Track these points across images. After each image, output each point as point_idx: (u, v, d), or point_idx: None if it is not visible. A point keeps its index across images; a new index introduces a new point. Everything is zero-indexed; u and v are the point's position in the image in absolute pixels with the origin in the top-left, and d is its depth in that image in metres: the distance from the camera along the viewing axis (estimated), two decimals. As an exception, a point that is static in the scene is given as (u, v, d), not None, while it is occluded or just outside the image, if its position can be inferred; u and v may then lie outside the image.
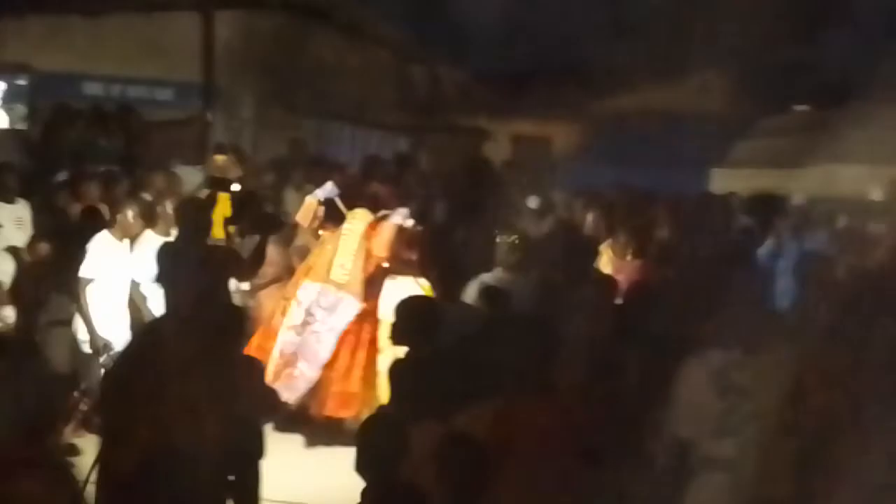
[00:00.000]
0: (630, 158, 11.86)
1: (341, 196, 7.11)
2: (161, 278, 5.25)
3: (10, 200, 7.53)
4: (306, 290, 6.79)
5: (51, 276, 6.52)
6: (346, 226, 6.96)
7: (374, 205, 7.15)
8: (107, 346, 6.38)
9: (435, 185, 10.61)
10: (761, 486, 3.69)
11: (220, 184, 7.93)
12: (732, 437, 3.66)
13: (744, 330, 3.78)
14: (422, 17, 14.79)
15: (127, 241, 6.63)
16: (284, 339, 6.72)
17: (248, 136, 12.15)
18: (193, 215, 5.55)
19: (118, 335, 6.35)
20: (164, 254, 5.36)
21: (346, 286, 6.79)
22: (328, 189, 7.12)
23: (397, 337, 4.35)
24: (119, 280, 6.52)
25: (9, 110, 9.93)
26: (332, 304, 6.73)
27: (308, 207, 7.10)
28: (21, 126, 9.94)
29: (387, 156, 12.51)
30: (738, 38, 13.69)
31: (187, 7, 11.80)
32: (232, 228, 7.37)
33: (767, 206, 8.46)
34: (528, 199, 9.58)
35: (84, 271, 6.42)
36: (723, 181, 11.21)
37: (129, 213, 6.58)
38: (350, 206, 7.11)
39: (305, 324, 6.72)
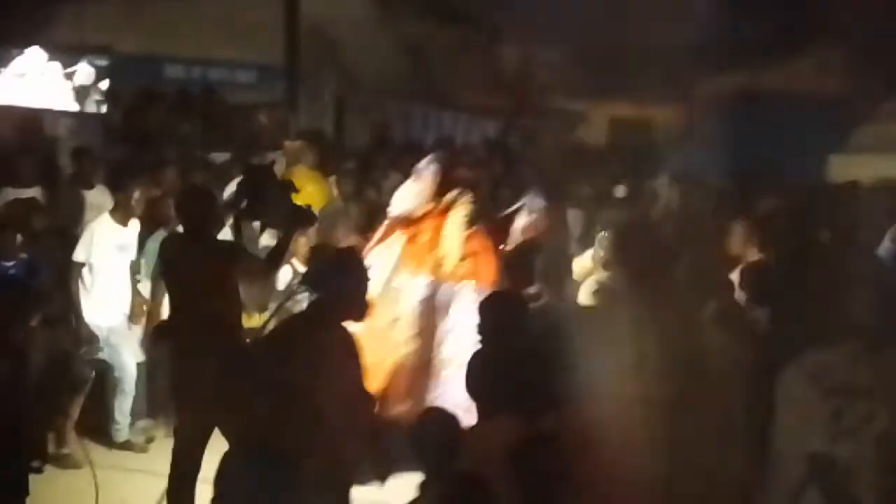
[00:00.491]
0: (738, 143, 11.55)
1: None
2: (162, 274, 5.25)
3: (89, 186, 7.70)
4: (416, 286, 6.35)
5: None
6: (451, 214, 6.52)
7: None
8: (92, 338, 6.35)
9: (527, 172, 10.53)
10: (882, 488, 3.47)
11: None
12: (849, 439, 3.50)
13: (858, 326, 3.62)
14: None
15: (132, 226, 6.58)
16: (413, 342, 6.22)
17: (330, 119, 12.26)
18: (192, 208, 5.27)
19: (116, 321, 6.37)
20: (163, 248, 5.38)
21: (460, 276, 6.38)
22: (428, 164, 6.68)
23: (480, 334, 4.34)
24: (118, 265, 6.49)
25: (89, 93, 10.19)
26: (455, 299, 6.30)
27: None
28: (101, 109, 10.19)
29: (476, 140, 12.50)
30: (861, 13, 13.23)
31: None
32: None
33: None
34: (616, 187, 9.39)
35: (77, 255, 6.39)
36: (843, 168, 10.83)
37: (135, 196, 6.47)
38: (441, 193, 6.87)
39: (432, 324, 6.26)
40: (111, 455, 6.43)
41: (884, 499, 3.49)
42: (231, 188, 6.88)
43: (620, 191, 9.70)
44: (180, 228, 5.57)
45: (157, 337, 5.68)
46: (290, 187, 5.64)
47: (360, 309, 4.28)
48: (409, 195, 6.57)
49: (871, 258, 6.03)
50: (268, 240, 6.65)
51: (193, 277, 5.07)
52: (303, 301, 5.29)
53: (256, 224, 6.46)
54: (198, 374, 4.69)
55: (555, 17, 14.53)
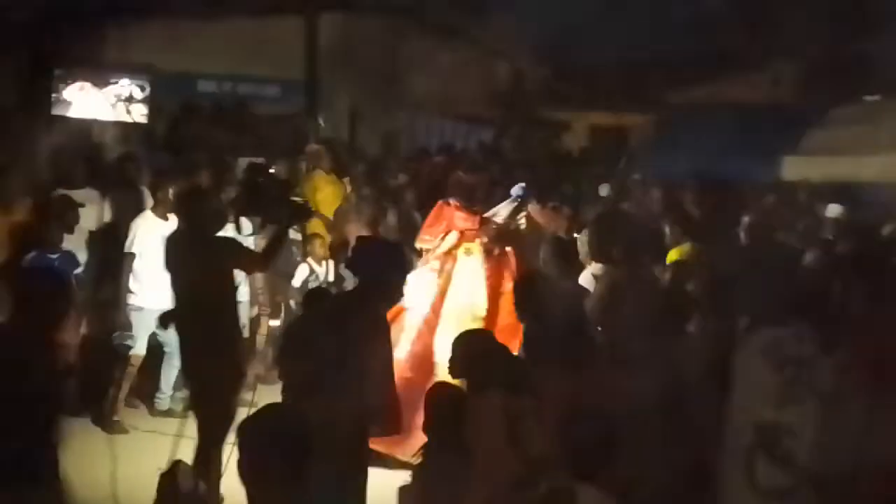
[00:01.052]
0: (704, 148, 11.52)
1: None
2: (166, 267, 5.21)
3: (133, 188, 7.68)
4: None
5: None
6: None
7: (464, 193, 6.84)
8: (126, 325, 6.29)
9: (519, 175, 10.51)
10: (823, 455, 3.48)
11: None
12: (795, 406, 3.50)
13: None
14: (507, 18, 14.65)
15: (171, 220, 6.30)
16: None
17: (345, 128, 12.25)
18: (191, 204, 5.14)
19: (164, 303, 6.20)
20: (168, 243, 5.24)
21: None
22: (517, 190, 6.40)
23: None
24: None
25: (133, 106, 10.20)
26: None
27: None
28: (144, 120, 10.19)
29: (473, 146, 12.49)
30: (809, 34, 13.21)
31: (292, 10, 11.92)
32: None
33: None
34: (600, 187, 9.37)
35: (128, 247, 6.34)
36: (795, 169, 10.81)
37: (170, 192, 6.33)
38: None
39: None
40: (153, 421, 6.46)
41: (823, 455, 3.49)
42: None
43: (604, 189, 9.70)
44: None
45: (162, 323, 5.62)
46: (286, 185, 5.57)
47: (398, 294, 4.29)
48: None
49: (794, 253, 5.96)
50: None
51: (192, 270, 4.97)
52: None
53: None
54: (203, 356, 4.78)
55: (542, 37, 14.52)
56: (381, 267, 4.18)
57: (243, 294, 6.48)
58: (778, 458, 3.51)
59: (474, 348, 3.96)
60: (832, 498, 3.48)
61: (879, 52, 12.27)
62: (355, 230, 7.18)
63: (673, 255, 6.06)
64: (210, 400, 4.90)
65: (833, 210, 7.10)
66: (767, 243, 6.51)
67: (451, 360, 4.01)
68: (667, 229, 6.64)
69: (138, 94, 10.09)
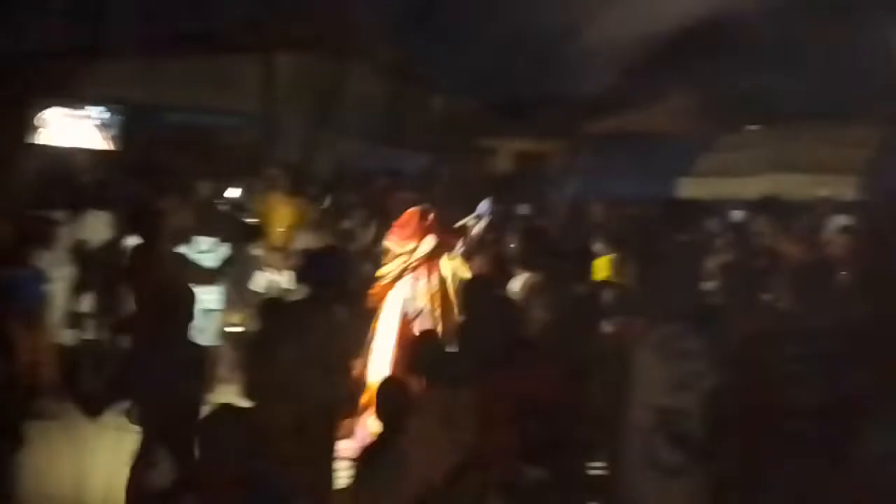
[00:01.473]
0: (614, 171, 11.77)
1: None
2: (123, 278, 5.13)
3: (105, 209, 7.53)
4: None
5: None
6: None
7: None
8: None
9: (455, 196, 10.55)
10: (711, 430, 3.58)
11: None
12: (685, 393, 3.59)
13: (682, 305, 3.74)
14: (443, 57, 14.78)
15: None
16: None
17: (299, 156, 12.15)
18: (143, 225, 5.14)
19: None
20: (127, 258, 5.21)
21: None
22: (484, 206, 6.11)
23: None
24: None
25: (105, 135, 10.01)
26: None
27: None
28: (115, 148, 10.00)
29: (414, 171, 12.48)
30: (703, 70, 13.56)
31: (251, 49, 11.84)
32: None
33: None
34: (520, 206, 9.47)
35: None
36: (690, 189, 11.09)
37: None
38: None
39: None
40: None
41: (712, 438, 3.60)
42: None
43: (524, 209, 9.81)
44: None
45: (117, 331, 5.52)
46: (241, 208, 5.52)
47: (345, 296, 4.27)
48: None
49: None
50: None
51: (147, 282, 4.91)
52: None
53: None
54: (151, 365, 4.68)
55: (474, 73, 14.65)
56: (330, 274, 4.17)
57: (215, 302, 6.40)
58: (675, 438, 3.58)
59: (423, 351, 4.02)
60: (721, 473, 3.57)
61: (761, 87, 12.68)
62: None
63: (599, 265, 6.20)
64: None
65: (717, 224, 7.30)
66: (664, 253, 6.70)
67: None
68: (593, 243, 6.79)
69: (110, 125, 9.92)
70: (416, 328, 5.41)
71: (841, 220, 8.41)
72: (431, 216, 5.83)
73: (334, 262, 4.32)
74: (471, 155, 15.05)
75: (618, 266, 6.08)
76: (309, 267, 4.29)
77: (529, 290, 5.15)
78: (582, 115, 14.58)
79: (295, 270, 4.43)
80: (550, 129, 14.60)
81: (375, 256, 6.91)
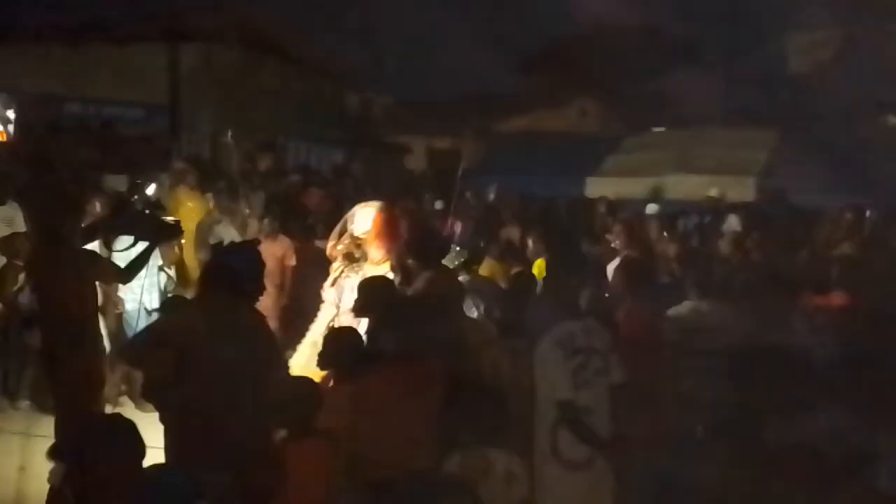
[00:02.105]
0: (524, 168, 11.96)
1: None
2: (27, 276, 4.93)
3: (1, 202, 7.17)
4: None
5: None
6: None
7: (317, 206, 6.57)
8: None
9: (367, 192, 10.52)
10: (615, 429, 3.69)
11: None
12: (588, 388, 3.69)
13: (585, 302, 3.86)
14: (356, 53, 14.69)
15: None
16: None
17: (207, 149, 11.87)
18: (49, 220, 4.86)
19: None
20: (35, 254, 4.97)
21: None
22: None
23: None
24: None
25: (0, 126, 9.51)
26: None
27: None
28: (11, 139, 9.52)
29: (326, 167, 12.40)
30: (610, 73, 13.93)
31: (156, 39, 11.48)
32: None
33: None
34: (436, 202, 9.54)
35: None
36: (595, 187, 11.39)
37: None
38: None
39: None
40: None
41: (614, 432, 3.71)
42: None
43: (438, 204, 9.86)
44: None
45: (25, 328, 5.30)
46: (157, 205, 5.36)
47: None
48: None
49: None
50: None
51: (54, 281, 4.66)
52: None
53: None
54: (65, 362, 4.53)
55: (388, 70, 14.64)
56: (241, 274, 4.04)
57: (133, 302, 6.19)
58: (577, 432, 3.67)
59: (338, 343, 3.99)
60: (622, 465, 3.68)
61: (667, 90, 13.14)
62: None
63: (537, 265, 6.28)
64: (71, 402, 4.64)
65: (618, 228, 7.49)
66: (572, 249, 6.87)
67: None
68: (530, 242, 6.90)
69: (5, 115, 9.43)
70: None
71: (733, 220, 8.85)
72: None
73: (245, 260, 4.19)
74: (385, 151, 15.05)
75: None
76: (218, 267, 4.16)
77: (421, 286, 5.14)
78: (494, 115, 14.77)
79: (204, 270, 4.27)
80: (464, 126, 14.72)
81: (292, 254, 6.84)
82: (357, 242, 5.54)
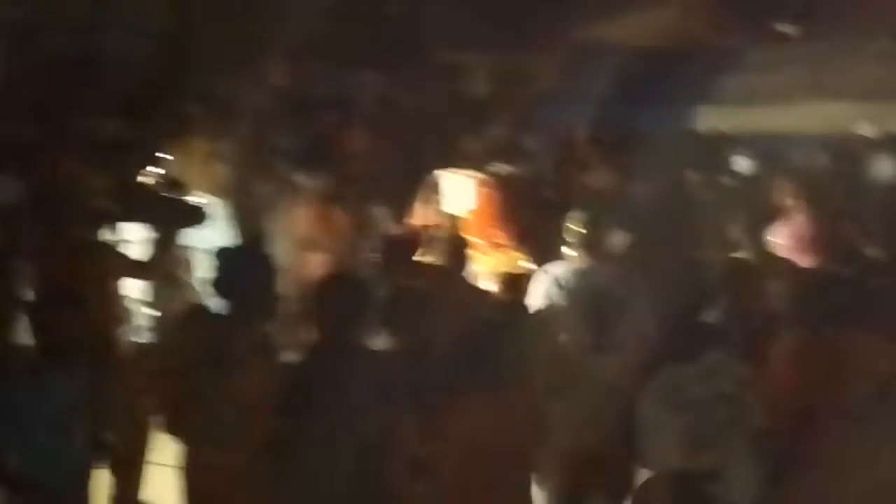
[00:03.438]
0: (615, 93, 11.45)
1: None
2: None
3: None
4: None
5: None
6: None
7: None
8: None
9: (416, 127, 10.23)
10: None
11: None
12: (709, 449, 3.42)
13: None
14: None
15: None
16: None
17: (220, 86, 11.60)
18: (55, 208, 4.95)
19: None
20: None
21: None
22: None
23: None
24: None
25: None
26: None
27: None
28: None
29: (365, 97, 12.05)
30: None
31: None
32: None
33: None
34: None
35: None
36: (708, 118, 10.82)
37: None
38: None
39: None
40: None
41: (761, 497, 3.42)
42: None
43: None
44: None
45: None
46: (177, 185, 5.26)
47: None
48: None
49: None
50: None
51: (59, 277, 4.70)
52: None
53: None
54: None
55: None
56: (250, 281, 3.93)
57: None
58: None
59: None
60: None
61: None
62: None
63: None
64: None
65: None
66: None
67: None
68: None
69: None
70: None
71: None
72: None
73: (256, 263, 4.07)
74: (437, 75, 14.57)
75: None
76: (225, 270, 4.01)
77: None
78: (572, 22, 14.13)
79: (209, 274, 4.14)
80: (536, 40, 14.14)
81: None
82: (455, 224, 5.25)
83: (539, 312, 4.75)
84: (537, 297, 4.89)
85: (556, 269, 5.09)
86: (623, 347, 4.35)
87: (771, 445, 3.44)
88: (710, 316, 3.75)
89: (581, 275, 4.93)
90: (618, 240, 5.52)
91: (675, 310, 3.99)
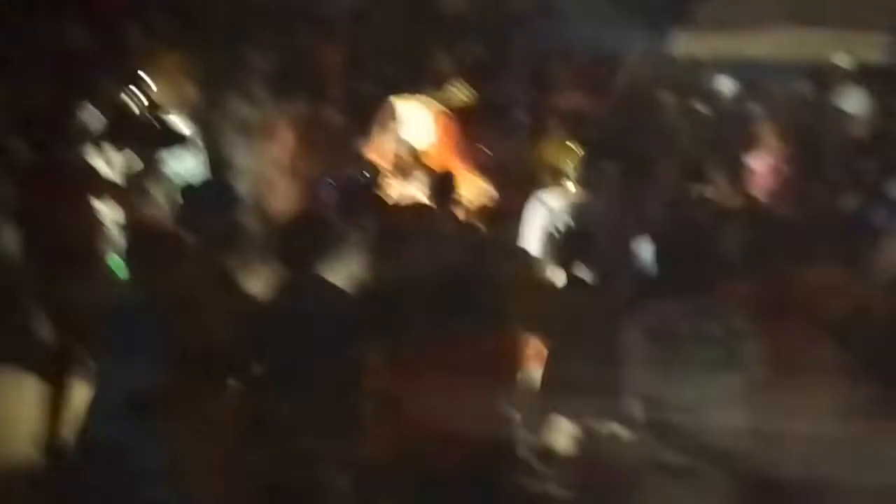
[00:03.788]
0: (588, 14, 11.28)
1: None
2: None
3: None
4: None
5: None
6: None
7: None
8: None
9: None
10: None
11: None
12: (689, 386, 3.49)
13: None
14: None
15: None
16: None
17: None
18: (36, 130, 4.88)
19: None
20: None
21: None
22: None
23: None
24: None
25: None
26: None
27: None
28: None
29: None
30: None
31: None
32: None
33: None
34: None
35: None
36: (683, 43, 10.73)
37: None
38: None
39: None
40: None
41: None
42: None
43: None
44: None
45: None
46: (157, 108, 5.17)
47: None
48: None
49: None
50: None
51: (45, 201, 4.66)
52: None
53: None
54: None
55: None
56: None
57: None
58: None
59: None
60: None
61: None
62: None
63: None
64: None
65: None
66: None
67: None
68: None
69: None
70: None
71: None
72: None
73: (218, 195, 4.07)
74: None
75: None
76: (190, 204, 4.02)
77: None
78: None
79: (176, 208, 4.13)
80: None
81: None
82: (413, 153, 5.22)
83: (530, 246, 4.81)
84: (534, 228, 4.93)
85: (552, 201, 5.12)
86: (610, 279, 4.41)
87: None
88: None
89: (571, 207, 4.97)
90: (603, 169, 5.54)
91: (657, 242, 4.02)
